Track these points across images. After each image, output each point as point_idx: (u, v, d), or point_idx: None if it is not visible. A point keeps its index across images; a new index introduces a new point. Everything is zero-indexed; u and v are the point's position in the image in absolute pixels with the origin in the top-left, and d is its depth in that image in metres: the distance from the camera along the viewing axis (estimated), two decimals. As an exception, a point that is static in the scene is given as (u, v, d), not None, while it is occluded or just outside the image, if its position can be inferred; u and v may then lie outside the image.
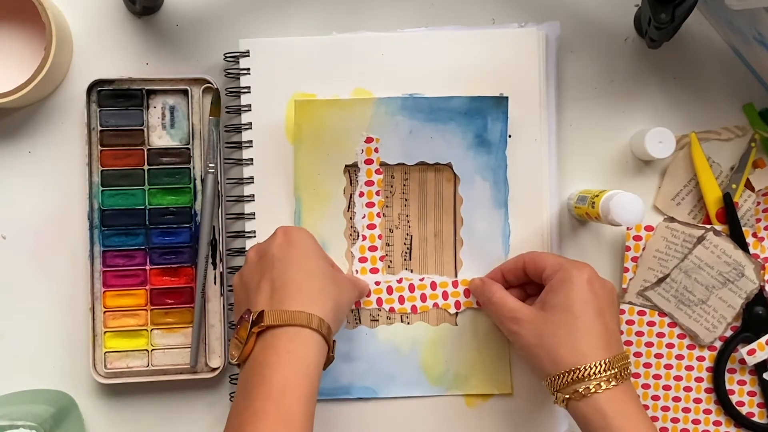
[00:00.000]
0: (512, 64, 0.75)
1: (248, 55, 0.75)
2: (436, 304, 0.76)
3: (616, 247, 0.78)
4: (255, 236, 0.74)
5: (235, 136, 0.75)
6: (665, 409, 0.76)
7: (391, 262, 0.76)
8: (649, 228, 0.76)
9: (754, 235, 0.76)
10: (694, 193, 0.78)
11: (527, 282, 0.73)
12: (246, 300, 0.66)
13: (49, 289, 0.75)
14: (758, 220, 0.77)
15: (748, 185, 0.78)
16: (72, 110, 0.75)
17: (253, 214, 0.75)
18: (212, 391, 0.76)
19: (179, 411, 0.76)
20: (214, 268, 0.75)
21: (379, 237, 0.75)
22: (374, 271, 0.75)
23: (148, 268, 0.74)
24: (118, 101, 0.74)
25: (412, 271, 0.76)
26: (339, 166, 0.75)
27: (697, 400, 0.76)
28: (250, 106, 0.75)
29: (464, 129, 0.75)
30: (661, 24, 0.69)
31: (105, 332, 0.74)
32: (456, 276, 0.76)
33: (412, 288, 0.76)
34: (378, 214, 0.75)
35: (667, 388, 0.76)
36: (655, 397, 0.76)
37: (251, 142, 0.75)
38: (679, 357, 0.76)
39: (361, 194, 0.75)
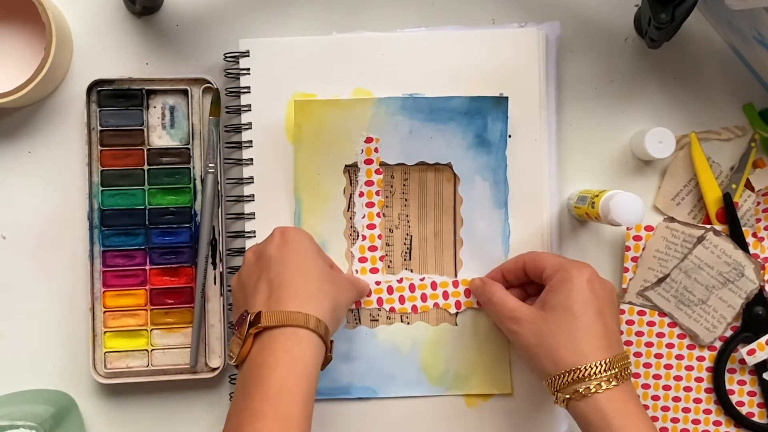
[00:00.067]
0: (512, 64, 0.75)
1: (248, 55, 0.75)
2: (436, 304, 0.76)
3: (616, 247, 0.78)
4: (255, 236, 0.74)
5: (235, 136, 0.75)
6: (665, 409, 0.76)
7: (391, 262, 0.76)
8: (649, 228, 0.76)
9: (754, 235, 0.76)
10: (694, 193, 0.78)
11: (527, 282, 0.73)
12: (244, 301, 0.66)
13: (49, 289, 0.75)
14: (758, 220, 0.77)
15: (748, 185, 0.78)
16: (72, 110, 0.75)
17: (253, 214, 0.75)
18: (212, 391, 0.76)
19: (179, 411, 0.76)
20: (214, 268, 0.75)
21: (379, 237, 0.75)
22: (374, 271, 0.75)
23: (148, 268, 0.74)
24: (118, 101, 0.74)
25: (412, 271, 0.76)
26: (339, 166, 0.75)
27: (697, 400, 0.76)
28: (250, 106, 0.75)
29: (464, 129, 0.75)
30: (661, 24, 0.69)
31: (105, 332, 0.74)
32: (456, 276, 0.76)
33: (412, 288, 0.76)
34: (378, 214, 0.75)
35: (667, 388, 0.76)
36: (655, 397, 0.76)
37: (251, 142, 0.75)
38: (679, 357, 0.76)
39: (361, 194, 0.75)
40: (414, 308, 0.75)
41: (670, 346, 0.76)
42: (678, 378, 0.76)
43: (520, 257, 0.72)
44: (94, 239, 0.74)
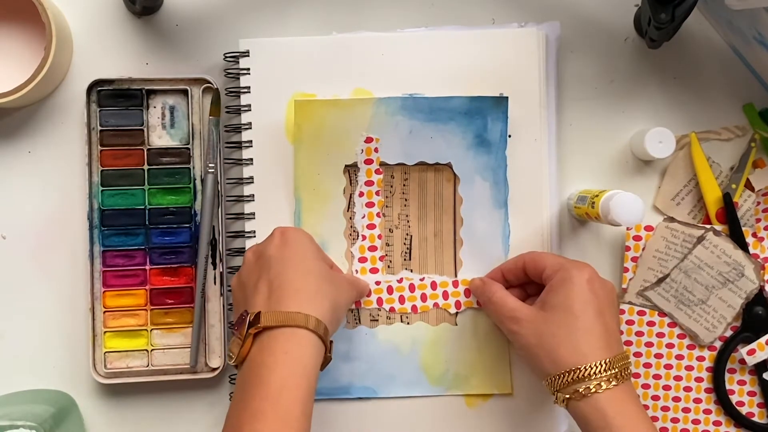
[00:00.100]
0: (512, 64, 0.75)
1: (248, 55, 0.75)
2: (436, 304, 0.76)
3: (616, 247, 0.78)
4: (255, 236, 0.74)
5: (235, 136, 0.75)
6: (665, 409, 0.76)
7: (391, 262, 0.76)
8: (649, 228, 0.76)
9: (754, 235, 0.76)
10: (694, 193, 0.78)
11: (527, 282, 0.73)
12: (244, 301, 0.66)
13: (49, 289, 0.75)
14: (758, 220, 0.77)
15: (748, 185, 0.78)
16: (72, 110, 0.75)
17: (253, 214, 0.75)
18: (212, 391, 0.76)
19: (179, 411, 0.76)
20: (214, 268, 0.75)
21: (379, 237, 0.75)
22: (374, 271, 0.75)
23: (148, 268, 0.74)
24: (118, 101, 0.74)
25: (412, 271, 0.76)
26: (339, 166, 0.75)
27: (697, 400, 0.76)
28: (250, 106, 0.75)
29: (464, 129, 0.75)
30: (661, 24, 0.69)
31: (105, 332, 0.74)
32: (456, 276, 0.76)
33: (412, 288, 0.76)
34: (378, 214, 0.75)
35: (667, 388, 0.76)
36: (655, 397, 0.76)
37: (251, 142, 0.75)
38: (679, 357, 0.76)
39: (361, 194, 0.75)
40: (414, 308, 0.75)
41: (670, 346, 0.76)
42: (678, 378, 0.76)
43: (520, 257, 0.72)
44: (94, 239, 0.74)
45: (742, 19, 0.72)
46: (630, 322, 0.76)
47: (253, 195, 0.75)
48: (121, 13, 0.76)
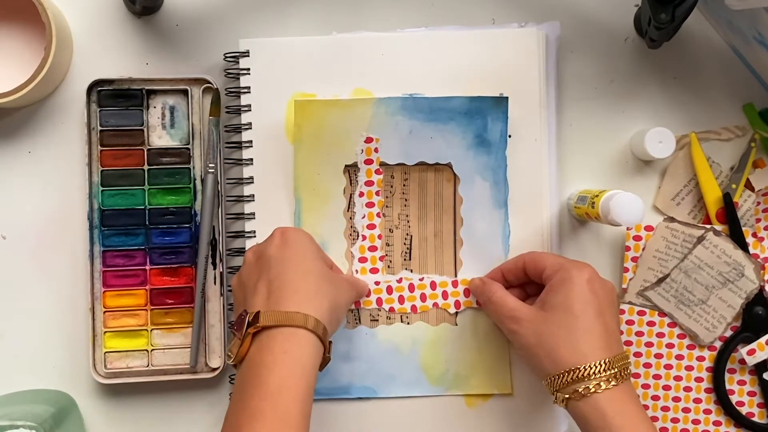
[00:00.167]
0: (512, 64, 0.75)
1: (248, 55, 0.75)
2: (435, 304, 0.76)
3: (616, 247, 0.78)
4: (255, 236, 0.74)
5: (235, 136, 0.75)
6: (665, 409, 0.76)
7: (390, 262, 0.76)
8: (649, 228, 0.76)
9: (754, 235, 0.76)
10: (694, 193, 0.78)
11: (527, 282, 0.73)
12: (244, 301, 0.66)
13: (49, 289, 0.75)
14: (758, 220, 0.77)
15: (748, 185, 0.78)
16: (72, 110, 0.75)
17: (253, 214, 0.75)
18: (212, 391, 0.76)
19: (179, 411, 0.76)
20: (214, 268, 0.75)
21: (379, 237, 0.75)
22: (374, 271, 0.75)
23: (148, 268, 0.74)
24: (118, 101, 0.74)
25: (411, 271, 0.76)
26: (339, 166, 0.75)
27: (697, 400, 0.76)
28: (250, 106, 0.75)
29: (464, 129, 0.75)
30: (661, 24, 0.69)
31: (105, 332, 0.74)
32: (456, 276, 0.76)
33: (412, 288, 0.76)
34: (378, 214, 0.75)
35: (667, 388, 0.76)
36: (655, 397, 0.76)
37: (251, 142, 0.75)
38: (679, 357, 0.76)
39: (361, 194, 0.75)
40: (414, 308, 0.75)
41: (670, 346, 0.76)
42: (678, 378, 0.76)
43: (520, 257, 0.72)
44: (94, 239, 0.74)
45: (742, 19, 0.72)
46: (630, 322, 0.76)
47: (253, 195, 0.75)
48: (121, 13, 0.76)
